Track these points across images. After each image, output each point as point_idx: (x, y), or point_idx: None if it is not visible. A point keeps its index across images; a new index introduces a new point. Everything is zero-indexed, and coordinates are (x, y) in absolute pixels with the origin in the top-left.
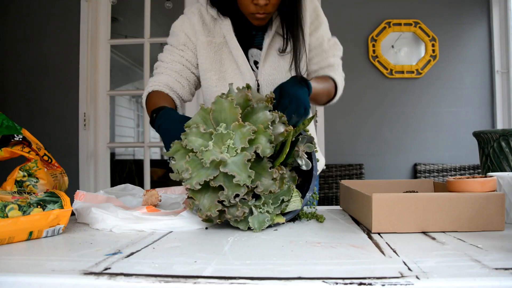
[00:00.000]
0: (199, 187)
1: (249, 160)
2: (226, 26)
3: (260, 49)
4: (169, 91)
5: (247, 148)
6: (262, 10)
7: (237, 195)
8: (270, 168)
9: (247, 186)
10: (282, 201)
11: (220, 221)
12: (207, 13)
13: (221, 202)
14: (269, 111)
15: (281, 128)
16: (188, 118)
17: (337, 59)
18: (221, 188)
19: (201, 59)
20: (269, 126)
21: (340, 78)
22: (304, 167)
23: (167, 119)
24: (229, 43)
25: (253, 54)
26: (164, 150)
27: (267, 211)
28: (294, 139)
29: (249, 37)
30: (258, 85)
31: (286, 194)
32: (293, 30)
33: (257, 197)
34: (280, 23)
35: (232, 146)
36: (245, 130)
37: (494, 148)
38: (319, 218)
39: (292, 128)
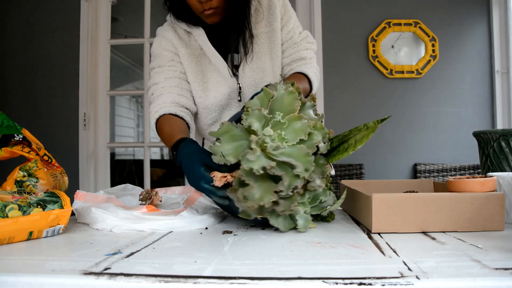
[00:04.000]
0: (262, 172)
1: (310, 154)
2: (200, 36)
3: (238, 52)
4: (177, 110)
5: (305, 141)
6: (207, 6)
7: (295, 187)
8: (325, 166)
9: (304, 179)
10: (320, 201)
11: (262, 216)
12: (179, 28)
13: (277, 192)
14: (314, 111)
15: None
16: (204, 151)
17: (310, 52)
18: (276, 178)
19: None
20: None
21: (313, 72)
22: (332, 172)
23: (185, 154)
24: (207, 52)
25: (234, 58)
26: (167, 148)
27: (305, 211)
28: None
29: (228, 42)
30: (240, 89)
31: (323, 194)
32: (241, 26)
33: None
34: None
35: (283, 137)
36: (302, 123)
37: (494, 148)
38: (328, 218)
39: (373, 126)
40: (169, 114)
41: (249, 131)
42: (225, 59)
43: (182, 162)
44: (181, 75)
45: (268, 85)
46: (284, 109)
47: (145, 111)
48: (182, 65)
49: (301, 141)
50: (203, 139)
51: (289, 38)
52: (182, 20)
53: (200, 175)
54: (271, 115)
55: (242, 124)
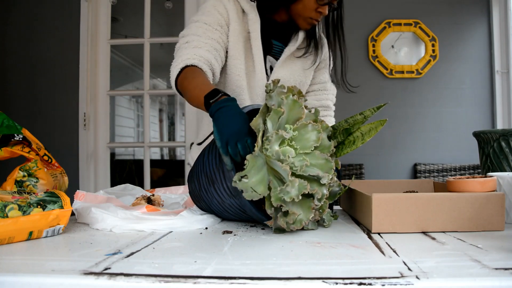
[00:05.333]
0: (300, 197)
1: (330, 159)
2: (255, 24)
3: (277, 58)
4: (207, 69)
5: (319, 147)
6: (320, 18)
7: (326, 195)
8: (338, 163)
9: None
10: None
11: (297, 228)
12: (238, 3)
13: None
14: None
15: None
16: (245, 116)
17: (332, 103)
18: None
19: (230, 44)
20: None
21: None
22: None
23: (235, 108)
24: (252, 41)
25: (269, 60)
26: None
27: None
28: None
29: (268, 44)
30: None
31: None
32: (338, 36)
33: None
34: (307, 37)
35: (296, 147)
36: (312, 129)
37: (494, 148)
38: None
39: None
40: (200, 69)
41: (279, 160)
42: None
43: (231, 109)
44: (223, 44)
45: (266, 95)
46: (290, 118)
47: (145, 111)
48: (226, 37)
49: (315, 147)
50: None
51: (324, 82)
52: (263, 3)
53: (250, 135)
54: (283, 132)
55: (255, 145)
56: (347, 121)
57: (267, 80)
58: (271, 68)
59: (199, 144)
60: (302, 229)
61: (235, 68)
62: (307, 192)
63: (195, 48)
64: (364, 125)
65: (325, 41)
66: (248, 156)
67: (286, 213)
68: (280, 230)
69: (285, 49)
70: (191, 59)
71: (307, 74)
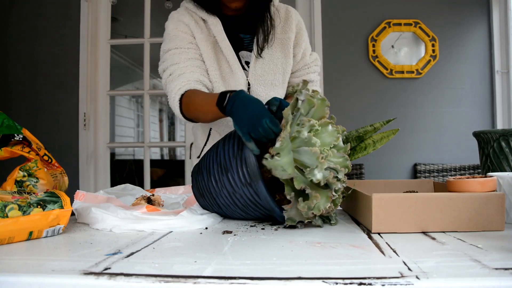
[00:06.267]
0: (325, 182)
1: (347, 158)
2: (216, 26)
3: (251, 51)
4: (201, 87)
5: (336, 145)
6: None
7: (341, 190)
8: (350, 165)
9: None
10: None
11: (308, 220)
12: (195, 14)
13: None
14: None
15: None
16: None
17: (316, 75)
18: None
19: (202, 54)
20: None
21: None
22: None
23: (249, 97)
24: (220, 43)
25: (243, 56)
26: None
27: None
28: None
29: (238, 40)
30: (249, 85)
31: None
32: (262, 15)
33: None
34: (269, 21)
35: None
36: (332, 129)
37: (494, 148)
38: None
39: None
40: (196, 90)
41: (309, 144)
42: (236, 55)
43: (243, 100)
44: (200, 57)
45: (294, 90)
46: (316, 114)
47: (145, 111)
48: (199, 49)
49: (334, 145)
50: (210, 129)
51: (301, 58)
52: (201, 6)
53: (267, 116)
54: (314, 121)
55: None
56: (357, 131)
57: (247, 76)
58: (248, 63)
59: (198, 157)
60: (310, 223)
61: (211, 75)
62: (330, 179)
63: (180, 76)
64: (376, 134)
65: (293, 14)
66: (283, 133)
67: (306, 197)
68: (291, 221)
69: (255, 40)
70: (182, 88)
71: (286, 54)
